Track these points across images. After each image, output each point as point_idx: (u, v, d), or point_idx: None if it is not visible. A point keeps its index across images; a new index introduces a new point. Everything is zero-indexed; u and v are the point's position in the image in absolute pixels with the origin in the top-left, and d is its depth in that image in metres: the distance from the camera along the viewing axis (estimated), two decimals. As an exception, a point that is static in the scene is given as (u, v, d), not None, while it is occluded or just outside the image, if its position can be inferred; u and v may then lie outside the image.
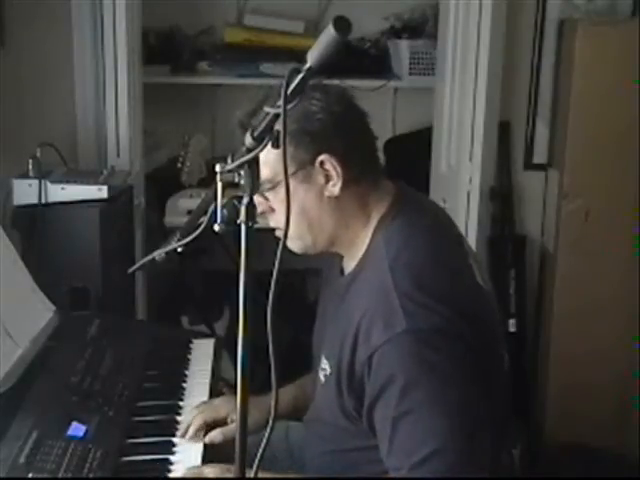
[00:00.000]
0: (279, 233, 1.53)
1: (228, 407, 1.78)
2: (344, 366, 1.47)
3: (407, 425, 1.38)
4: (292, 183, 1.39)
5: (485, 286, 1.58)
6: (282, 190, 1.42)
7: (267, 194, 1.50)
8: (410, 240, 1.51)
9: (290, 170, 1.45)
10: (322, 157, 1.48)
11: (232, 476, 1.50)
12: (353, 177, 1.51)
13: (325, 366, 1.56)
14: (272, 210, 1.53)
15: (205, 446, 1.71)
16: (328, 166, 1.48)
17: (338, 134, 1.49)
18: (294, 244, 1.55)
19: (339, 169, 1.48)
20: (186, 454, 1.66)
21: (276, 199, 1.51)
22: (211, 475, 1.57)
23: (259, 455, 1.19)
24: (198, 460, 1.65)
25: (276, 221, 1.53)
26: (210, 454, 1.69)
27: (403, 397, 1.38)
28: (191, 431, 1.72)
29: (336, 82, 1.61)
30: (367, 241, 1.54)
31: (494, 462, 1.56)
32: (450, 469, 1.37)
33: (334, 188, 1.50)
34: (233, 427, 1.70)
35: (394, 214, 1.53)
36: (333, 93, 1.52)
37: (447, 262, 1.53)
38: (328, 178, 1.50)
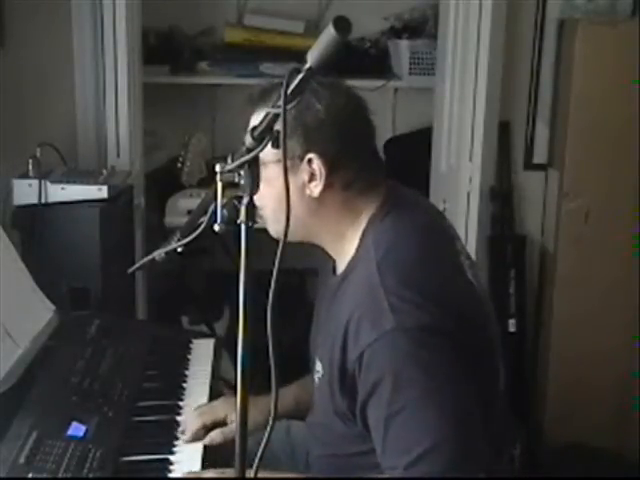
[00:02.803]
0: (261, 212, 1.51)
1: (227, 408, 1.77)
2: (335, 367, 1.46)
3: (400, 423, 1.37)
4: (276, 169, 1.36)
5: (477, 284, 1.56)
6: (268, 171, 1.35)
7: None
8: (399, 239, 1.49)
9: (278, 156, 1.44)
10: (311, 155, 1.46)
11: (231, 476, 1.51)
12: (342, 183, 1.49)
13: (318, 368, 1.55)
14: None
15: (205, 446, 1.70)
16: (315, 166, 1.47)
17: (334, 138, 1.47)
18: (271, 228, 1.53)
19: (324, 172, 1.47)
20: (186, 454, 1.66)
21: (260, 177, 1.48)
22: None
23: (259, 455, 1.19)
24: (198, 460, 1.65)
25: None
26: (210, 454, 1.69)
27: (394, 395, 1.36)
28: (188, 435, 1.71)
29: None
30: (356, 242, 1.52)
31: (492, 465, 1.56)
32: (445, 467, 1.35)
33: (315, 189, 1.48)
34: (233, 427, 1.69)
35: (384, 214, 1.52)
36: (344, 97, 1.51)
37: (436, 260, 1.51)
38: (312, 177, 1.48)
